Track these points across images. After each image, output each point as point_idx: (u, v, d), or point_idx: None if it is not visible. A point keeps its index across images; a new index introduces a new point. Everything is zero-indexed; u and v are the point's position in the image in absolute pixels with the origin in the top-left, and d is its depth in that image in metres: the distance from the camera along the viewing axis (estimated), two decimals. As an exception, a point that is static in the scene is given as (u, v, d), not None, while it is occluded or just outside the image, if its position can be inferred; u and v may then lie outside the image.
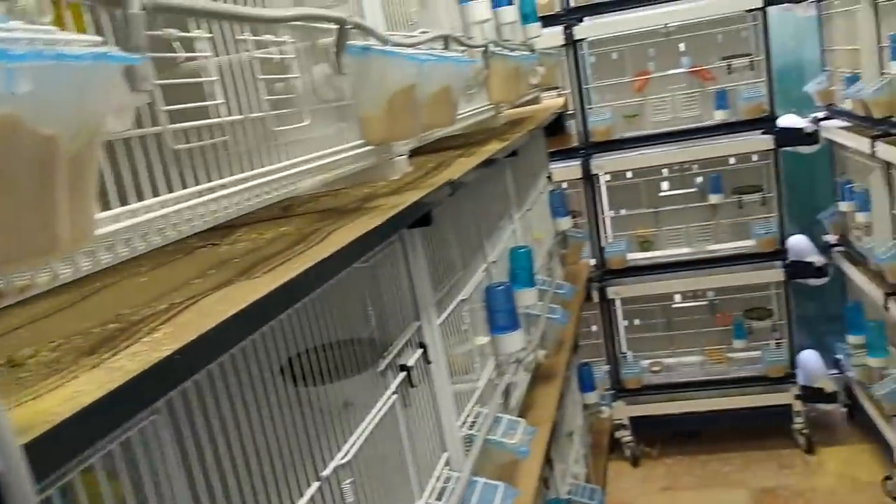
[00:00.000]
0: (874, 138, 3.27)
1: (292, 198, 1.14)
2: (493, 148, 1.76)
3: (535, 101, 2.93)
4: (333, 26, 1.10)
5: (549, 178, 2.96)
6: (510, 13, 2.25)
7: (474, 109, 1.91)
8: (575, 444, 2.76)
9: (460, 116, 1.80)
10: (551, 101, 3.00)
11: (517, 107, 2.66)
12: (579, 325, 3.02)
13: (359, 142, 1.23)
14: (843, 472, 3.89)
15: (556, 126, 3.11)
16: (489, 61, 1.97)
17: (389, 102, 1.20)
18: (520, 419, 1.64)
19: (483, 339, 1.74)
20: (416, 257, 1.43)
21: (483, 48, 1.94)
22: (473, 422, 1.59)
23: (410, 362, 1.32)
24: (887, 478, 3.66)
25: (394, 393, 1.26)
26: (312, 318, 1.05)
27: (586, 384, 3.00)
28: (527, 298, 2.06)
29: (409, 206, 1.20)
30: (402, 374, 1.29)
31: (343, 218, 1.19)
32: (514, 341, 1.77)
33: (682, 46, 4.02)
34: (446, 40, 1.58)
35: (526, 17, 2.66)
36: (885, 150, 3.15)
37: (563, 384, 2.33)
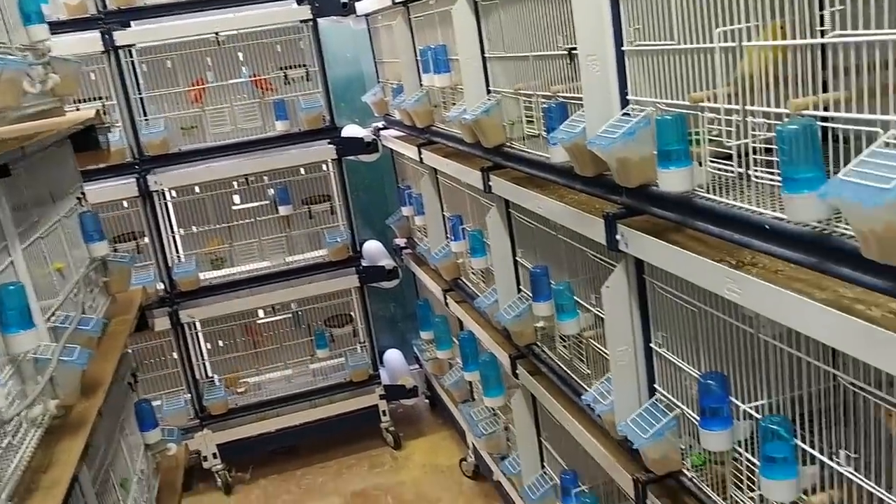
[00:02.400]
0: (420, 146, 3.47)
1: None
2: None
3: (57, 112, 2.56)
4: None
5: (80, 199, 2.61)
6: (-12, 9, 1.90)
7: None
8: (132, 493, 2.47)
9: None
10: (77, 114, 2.65)
11: (19, 120, 2.28)
12: (126, 361, 2.73)
13: None
14: (427, 462, 4.11)
15: (91, 141, 2.76)
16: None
17: None
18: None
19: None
20: None
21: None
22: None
23: None
24: (462, 459, 3.95)
25: None
26: None
27: (147, 423, 2.72)
28: (23, 343, 1.74)
29: None
30: None
31: None
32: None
33: (241, 56, 3.91)
34: None
35: (28, 18, 2.30)
36: (430, 157, 3.36)
37: (96, 431, 2.04)
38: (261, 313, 4.18)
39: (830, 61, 1.22)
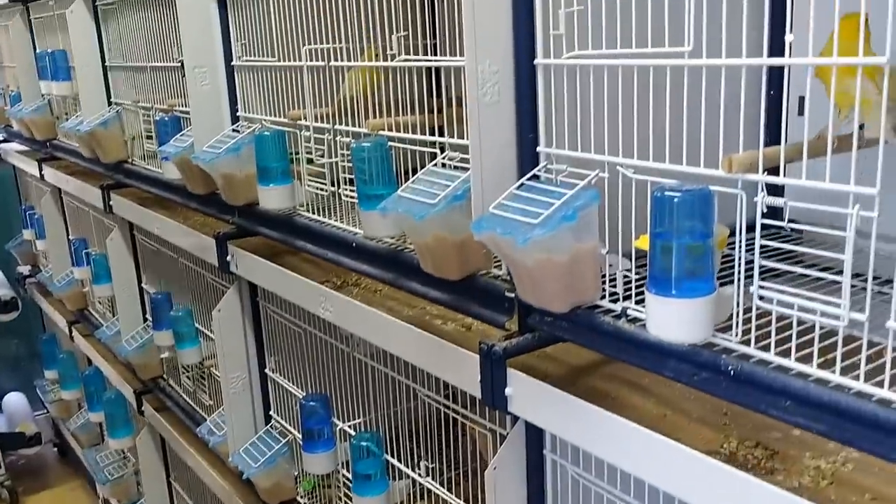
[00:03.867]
0: (41, 161, 3.11)
1: None
2: None
3: None
4: None
5: None
6: None
7: None
8: None
9: None
10: None
11: None
12: None
13: None
14: (51, 517, 3.65)
15: None
16: None
17: None
18: None
19: None
20: None
21: None
22: None
23: None
24: (94, 511, 3.56)
25: None
26: None
27: None
28: None
29: None
30: None
31: None
32: None
33: None
34: None
35: None
36: (52, 174, 3.02)
37: None
38: None
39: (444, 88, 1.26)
